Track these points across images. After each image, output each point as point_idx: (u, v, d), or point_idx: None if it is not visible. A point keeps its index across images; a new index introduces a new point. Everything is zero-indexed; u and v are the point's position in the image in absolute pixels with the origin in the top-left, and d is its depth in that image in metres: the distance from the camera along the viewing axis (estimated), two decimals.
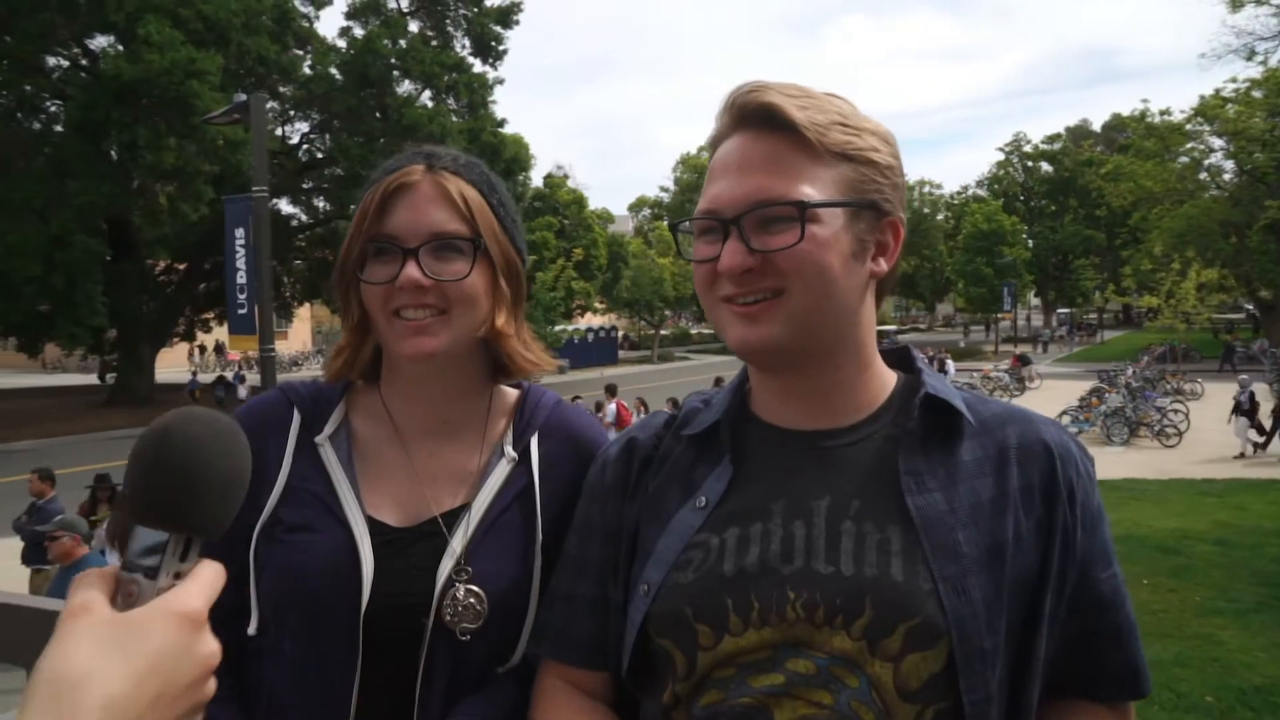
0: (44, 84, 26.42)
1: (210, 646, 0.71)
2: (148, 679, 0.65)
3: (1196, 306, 34.94)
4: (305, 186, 32.95)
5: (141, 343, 29.87)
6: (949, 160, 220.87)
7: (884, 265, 1.13)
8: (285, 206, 33.54)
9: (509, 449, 1.34)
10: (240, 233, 11.18)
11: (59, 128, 26.44)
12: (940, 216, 72.48)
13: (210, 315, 34.91)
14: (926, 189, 74.46)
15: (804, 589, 1.03)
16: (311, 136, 32.83)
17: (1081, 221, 61.86)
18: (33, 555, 8.65)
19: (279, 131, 31.75)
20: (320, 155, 32.56)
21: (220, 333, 35.01)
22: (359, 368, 1.35)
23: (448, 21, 33.30)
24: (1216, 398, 25.15)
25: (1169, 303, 35.70)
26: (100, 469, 11.56)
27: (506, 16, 33.12)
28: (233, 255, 11.34)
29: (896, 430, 1.12)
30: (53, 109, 27.27)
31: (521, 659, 1.27)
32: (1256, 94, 40.72)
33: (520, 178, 35.75)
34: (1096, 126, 71.95)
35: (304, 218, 35.15)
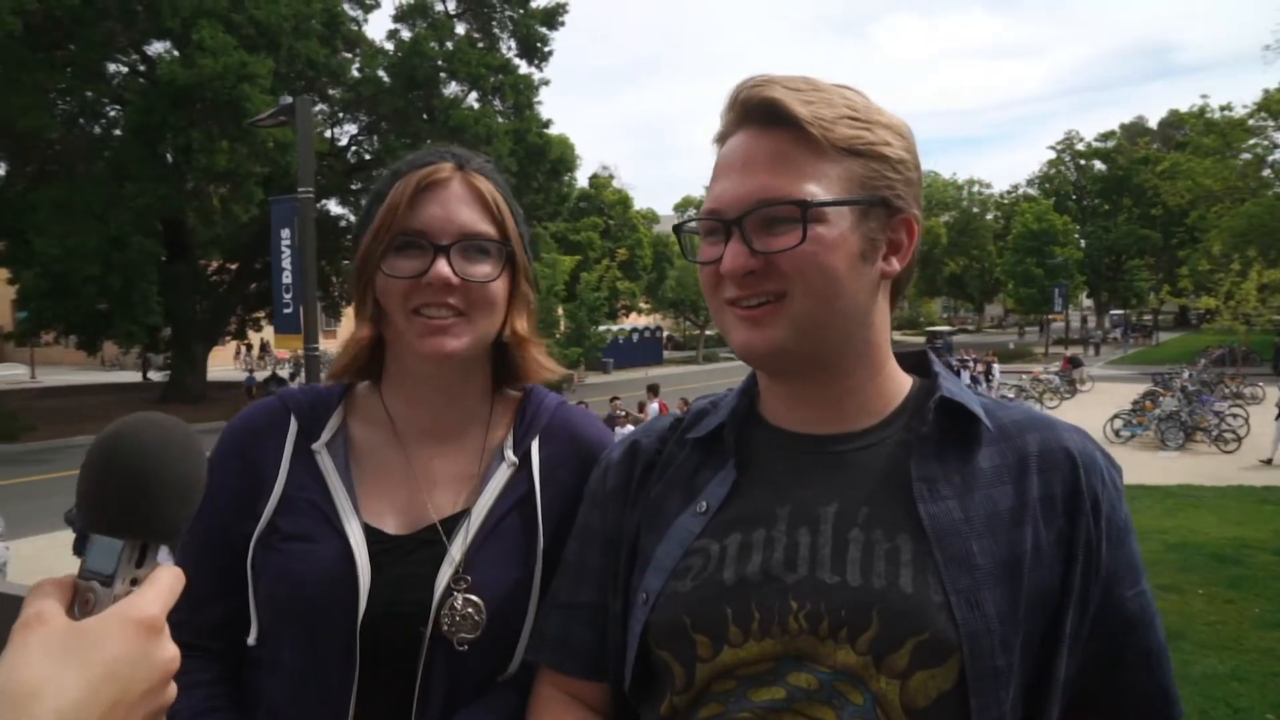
0: (105, 90, 27.09)
1: (168, 652, 0.70)
2: (103, 688, 0.64)
3: (1258, 308, 33.98)
4: (354, 188, 33.35)
5: (195, 341, 30.50)
6: (999, 159, 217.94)
7: (897, 265, 1.08)
8: (334, 207, 34.02)
9: (509, 453, 1.31)
10: (286, 233, 11.33)
11: (118, 132, 27.10)
12: (989, 216, 71.41)
13: (261, 314, 35.50)
14: (975, 188, 73.49)
15: (808, 599, 0.98)
16: (359, 138, 33.26)
17: (1136, 221, 60.46)
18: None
19: (327, 134, 32.20)
20: (368, 157, 32.96)
21: (269, 332, 35.70)
22: (365, 366, 1.33)
23: (494, 23, 33.53)
24: None
25: (1228, 304, 34.76)
26: None
27: (552, 18, 33.26)
28: (278, 255, 11.50)
29: (910, 435, 1.07)
30: (112, 114, 27.95)
31: (520, 667, 1.24)
32: None
33: (566, 178, 35.90)
34: (1152, 123, 70.46)
35: (352, 218, 35.61)
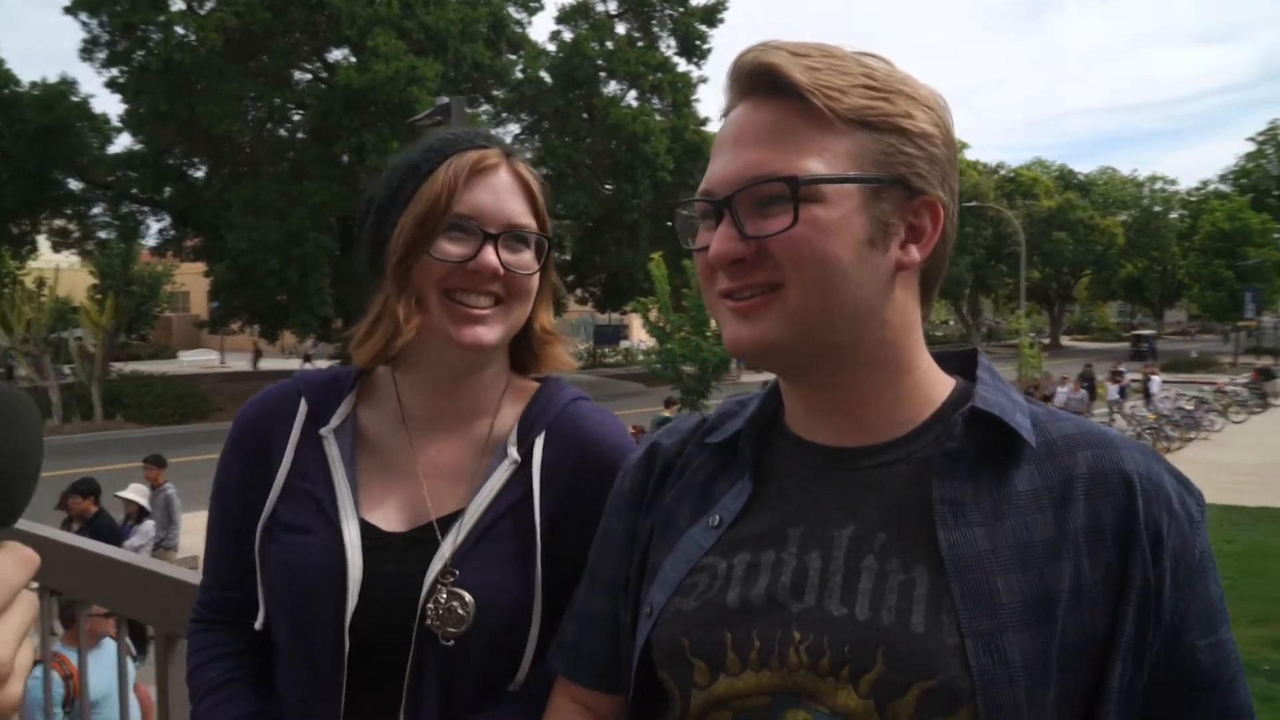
0: (290, 96, 29.07)
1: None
2: None
3: None
4: None
5: None
6: (1186, 155, 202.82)
7: (917, 254, 0.93)
8: None
9: (512, 450, 1.26)
10: None
11: (300, 135, 29.02)
12: (1174, 215, 66.62)
13: None
14: (1158, 185, 68.71)
15: (811, 631, 0.88)
16: (522, 137, 34.23)
17: None
18: None
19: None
20: (529, 156, 33.90)
21: None
22: (393, 350, 1.24)
23: (654, 22, 33.84)
24: None
25: None
26: None
27: (712, 15, 33.27)
28: None
29: (938, 451, 0.93)
30: (295, 119, 29.94)
31: (532, 677, 1.20)
32: None
33: None
34: None
35: None
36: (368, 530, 1.20)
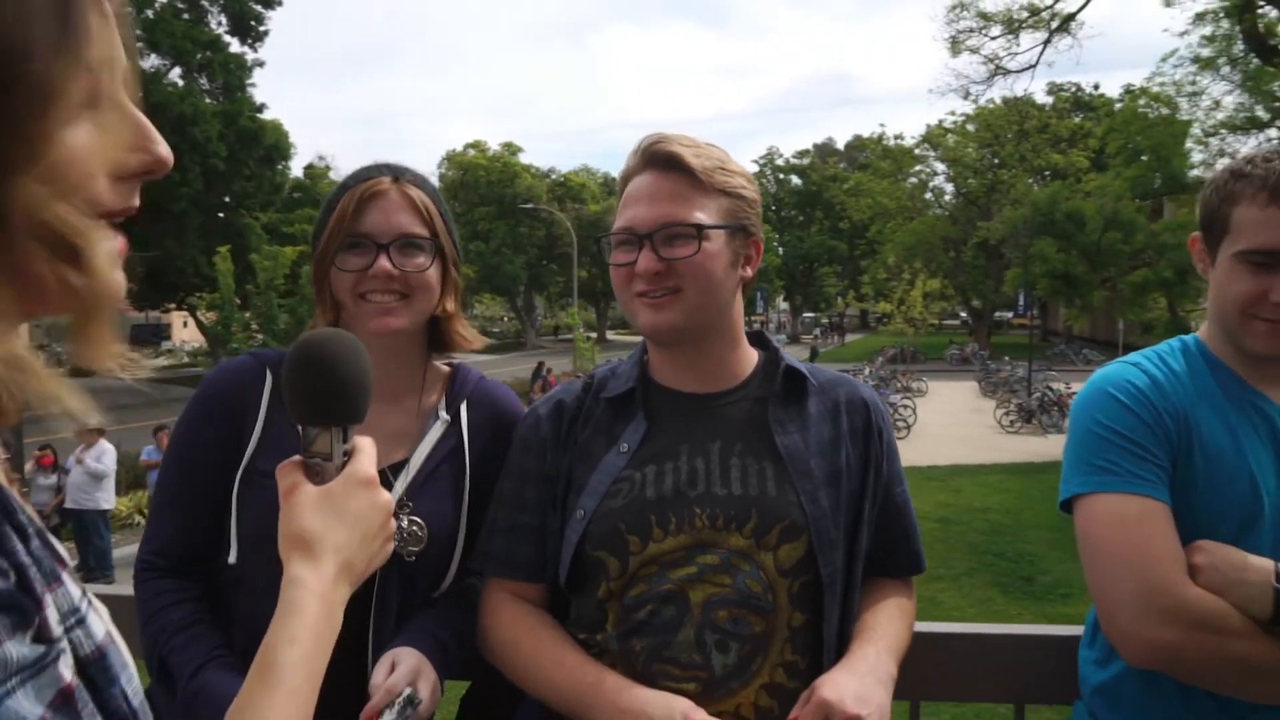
0: None
1: (384, 497, 0.97)
2: (354, 528, 0.93)
3: (923, 313, 38.77)
4: None
5: None
6: None
7: (749, 272, 1.51)
8: None
9: (444, 413, 1.61)
10: None
11: None
12: None
13: None
14: None
15: (707, 506, 1.40)
16: None
17: (827, 232, 66.57)
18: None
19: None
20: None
21: None
22: None
23: None
24: (941, 394, 28.14)
25: (900, 309, 39.42)
26: None
27: None
28: None
29: (764, 392, 1.50)
30: None
31: (453, 583, 1.56)
32: (970, 128, 45.77)
33: (280, 167, 34.15)
34: (840, 145, 77.76)
35: None
36: None
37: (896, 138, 52.60)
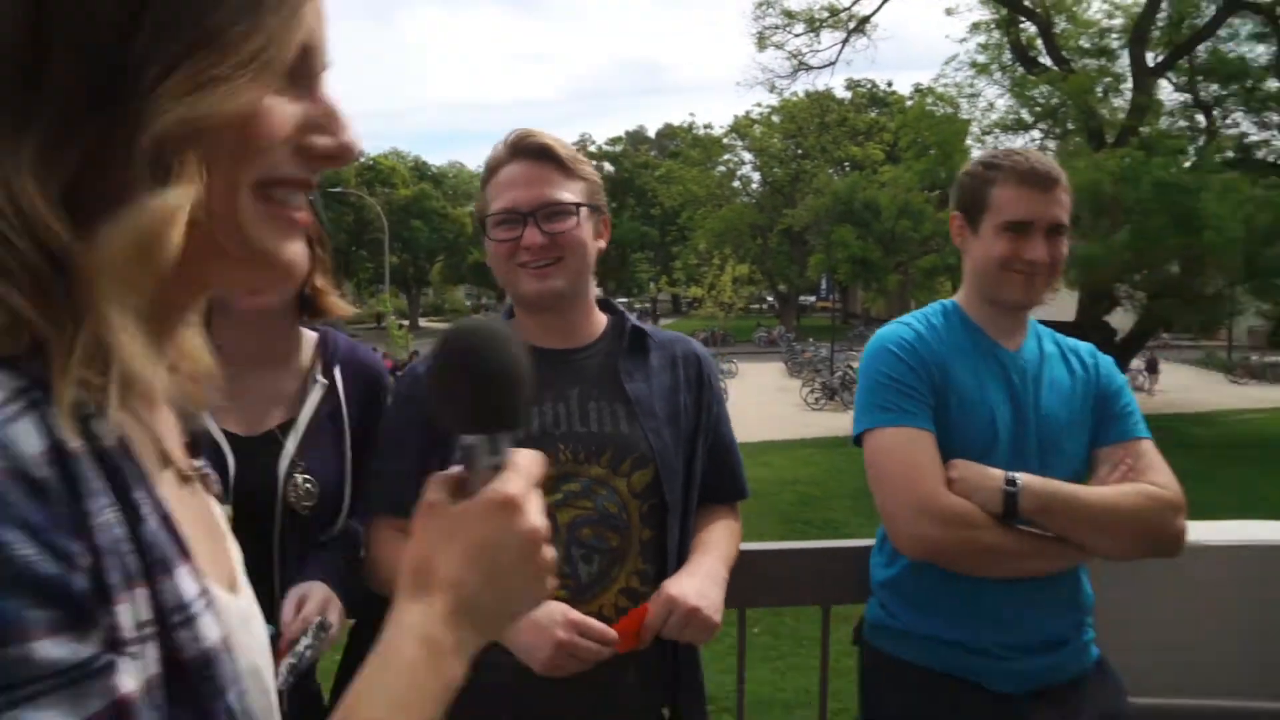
0: None
1: (529, 523, 0.77)
2: (477, 559, 0.75)
3: (732, 297, 40.34)
4: None
5: None
6: None
7: (603, 244, 1.78)
8: None
9: (320, 377, 1.77)
10: None
11: None
12: None
13: None
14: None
15: (570, 442, 1.67)
16: None
17: (639, 218, 67.80)
18: None
19: None
20: None
21: None
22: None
23: None
24: (750, 375, 29.46)
25: (711, 293, 40.86)
26: None
27: None
28: None
29: (613, 348, 1.78)
30: None
31: (342, 528, 1.75)
32: (776, 120, 47.90)
33: None
34: (652, 133, 79.22)
35: None
36: (227, 435, 1.62)
37: (706, 127, 54.57)
